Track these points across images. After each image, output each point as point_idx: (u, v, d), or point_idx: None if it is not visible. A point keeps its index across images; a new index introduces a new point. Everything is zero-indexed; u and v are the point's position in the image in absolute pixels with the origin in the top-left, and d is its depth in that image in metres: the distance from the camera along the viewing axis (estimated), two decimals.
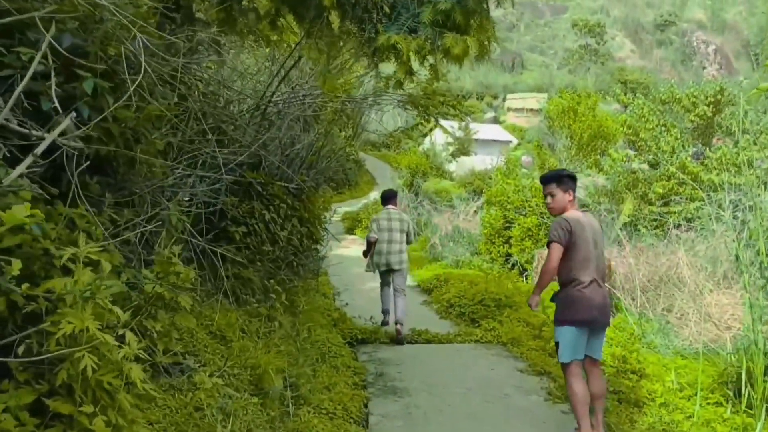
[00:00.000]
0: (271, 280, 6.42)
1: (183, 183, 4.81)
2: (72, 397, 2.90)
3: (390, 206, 9.53)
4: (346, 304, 10.74)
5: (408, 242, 9.38)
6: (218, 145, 5.92)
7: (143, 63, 3.31)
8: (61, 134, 3.21)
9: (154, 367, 4.00)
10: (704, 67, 79.58)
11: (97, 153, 3.76)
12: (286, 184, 6.71)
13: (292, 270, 7.00)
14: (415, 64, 4.74)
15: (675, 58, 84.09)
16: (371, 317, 9.53)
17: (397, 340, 8.91)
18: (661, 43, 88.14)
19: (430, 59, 4.55)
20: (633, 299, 9.76)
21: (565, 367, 5.35)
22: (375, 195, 27.56)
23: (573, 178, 5.61)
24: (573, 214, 5.39)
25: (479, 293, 10.83)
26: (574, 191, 5.51)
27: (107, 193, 3.88)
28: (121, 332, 3.14)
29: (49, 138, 2.59)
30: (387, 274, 9.31)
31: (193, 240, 4.57)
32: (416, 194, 25.01)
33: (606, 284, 5.32)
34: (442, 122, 44.35)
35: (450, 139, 40.45)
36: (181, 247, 4.28)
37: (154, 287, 3.71)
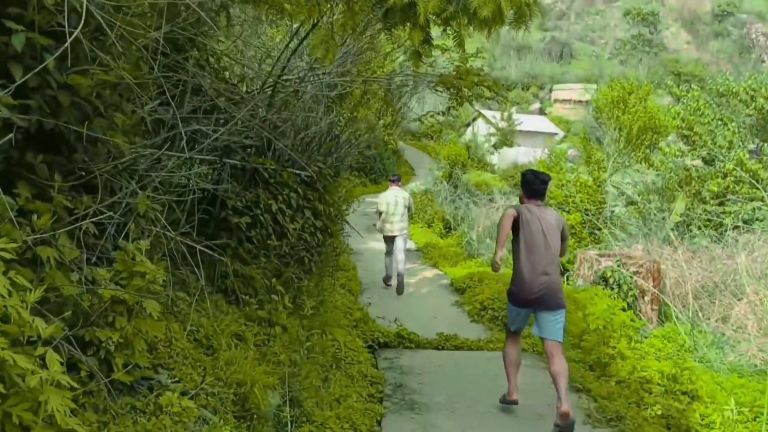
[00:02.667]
0: (275, 279, 5.74)
1: (163, 166, 4.14)
2: None
3: (394, 186, 11.98)
4: (370, 303, 10.02)
5: (409, 213, 11.92)
6: (219, 125, 5.26)
7: (84, 7, 2.62)
8: None
9: (114, 385, 3.34)
10: (763, 61, 76.29)
11: (43, 127, 3.12)
12: (297, 172, 5.99)
13: (303, 267, 6.29)
14: (435, 31, 4.01)
15: (732, 50, 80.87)
16: (396, 319, 8.83)
17: (398, 289, 11.34)
18: (718, 35, 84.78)
19: (454, 25, 3.78)
20: (684, 306, 8.98)
21: (506, 332, 6.30)
22: (413, 186, 26.77)
23: (529, 180, 6.08)
24: (526, 205, 6.01)
25: None
26: (527, 191, 6.06)
27: (57, 176, 3.22)
28: (41, 351, 2.49)
29: None
30: (391, 239, 11.60)
31: (167, 233, 3.89)
32: (455, 187, 24.00)
33: (553, 274, 5.83)
34: (485, 112, 43.21)
35: (492, 130, 39.30)
36: (150, 241, 3.62)
37: (99, 290, 3.05)
